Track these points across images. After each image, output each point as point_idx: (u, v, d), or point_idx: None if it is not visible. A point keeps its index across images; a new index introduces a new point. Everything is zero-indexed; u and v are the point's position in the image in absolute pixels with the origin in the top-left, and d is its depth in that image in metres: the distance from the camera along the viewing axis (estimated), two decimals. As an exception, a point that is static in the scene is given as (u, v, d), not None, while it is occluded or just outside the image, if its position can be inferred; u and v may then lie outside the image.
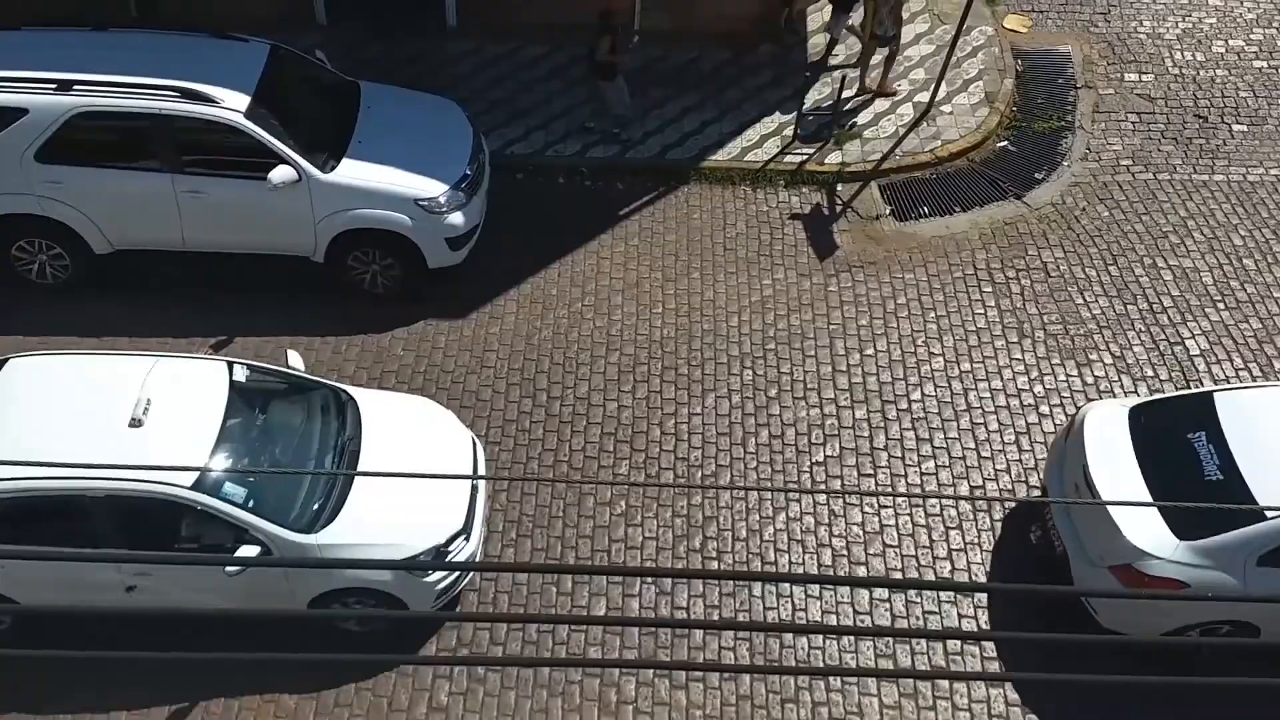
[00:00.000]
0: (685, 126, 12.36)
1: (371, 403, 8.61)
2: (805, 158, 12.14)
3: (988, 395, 10.08)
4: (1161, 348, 10.46)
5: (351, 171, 9.92)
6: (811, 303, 10.82)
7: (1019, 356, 10.39)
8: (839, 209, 11.79)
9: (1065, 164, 12.29)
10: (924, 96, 12.71)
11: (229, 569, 7.41)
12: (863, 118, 12.56)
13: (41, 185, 9.58)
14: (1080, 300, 10.88)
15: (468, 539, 8.15)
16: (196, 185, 9.71)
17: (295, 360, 8.79)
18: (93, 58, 9.60)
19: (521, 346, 10.31)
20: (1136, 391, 10.04)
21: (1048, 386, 10.14)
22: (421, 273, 10.34)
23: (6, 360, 8.22)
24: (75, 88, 9.35)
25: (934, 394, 10.07)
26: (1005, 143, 12.55)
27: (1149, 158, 12.32)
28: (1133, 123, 12.71)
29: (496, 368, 10.13)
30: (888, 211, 11.79)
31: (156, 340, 9.98)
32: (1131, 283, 11.03)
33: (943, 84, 12.58)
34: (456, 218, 10.17)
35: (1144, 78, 13.19)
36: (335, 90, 10.65)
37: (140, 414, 7.63)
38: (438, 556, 7.89)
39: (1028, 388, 10.14)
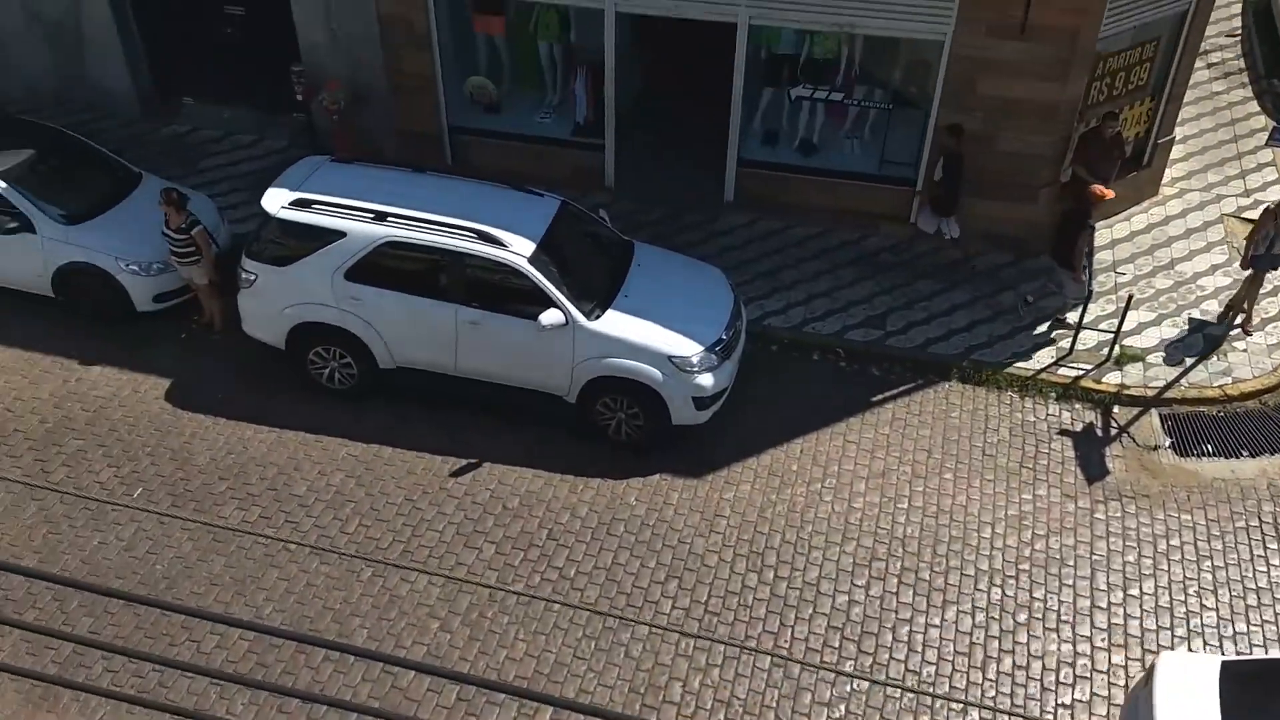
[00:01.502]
0: (953, 323, 12.04)
1: None
2: (1081, 373, 11.49)
3: (1274, 664, 8.81)
4: None
5: (614, 322, 10.24)
6: (1074, 527, 9.99)
7: (1314, 626, 9.10)
8: (1113, 432, 10.98)
9: (1382, 418, 11.00)
10: (1216, 330, 11.88)
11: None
12: (1146, 341, 11.82)
13: (345, 300, 10.43)
14: (1396, 574, 9.48)
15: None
16: (476, 317, 10.28)
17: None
18: (408, 195, 10.51)
19: (754, 518, 10.04)
20: None
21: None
22: (664, 427, 10.40)
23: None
24: (389, 219, 10.24)
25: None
26: (1308, 387, 11.42)
27: None
28: None
29: (725, 535, 9.88)
30: (1167, 444, 10.87)
31: (413, 454, 10.47)
32: None
33: (1238, 317, 11.73)
34: (706, 379, 10.22)
35: None
36: (611, 246, 11.15)
37: None
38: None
39: (1324, 664, 8.79)
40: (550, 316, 10.00)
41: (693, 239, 12.94)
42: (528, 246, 10.15)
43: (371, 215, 10.26)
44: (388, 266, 10.32)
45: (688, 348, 10.19)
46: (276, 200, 10.48)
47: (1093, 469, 10.59)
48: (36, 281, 11.53)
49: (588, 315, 10.18)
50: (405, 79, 13.36)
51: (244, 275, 10.69)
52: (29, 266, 11.39)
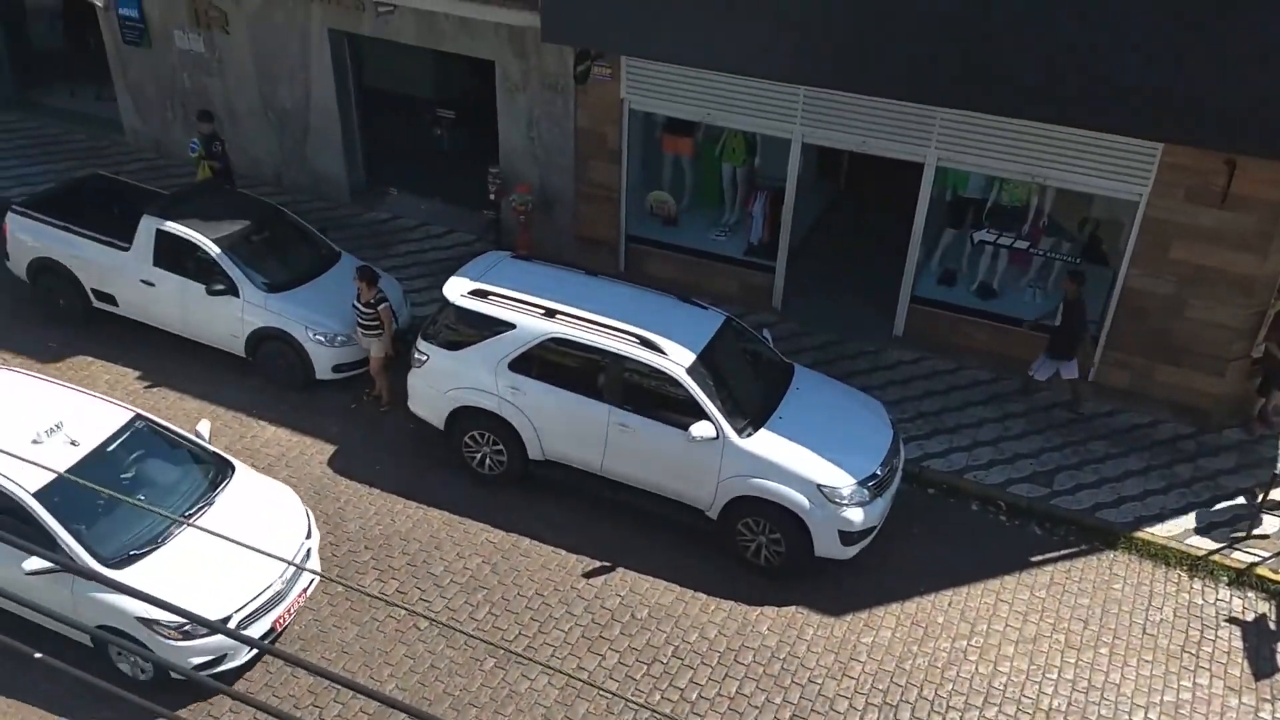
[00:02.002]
0: (1124, 489, 11.35)
1: None
2: (1258, 560, 10.59)
3: None
4: None
5: (765, 443, 10.12)
6: (1241, 725, 9.08)
7: None
8: (1294, 627, 10.02)
9: None
10: None
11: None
12: (1344, 532, 10.83)
13: (505, 389, 10.74)
14: None
15: None
16: (627, 420, 10.38)
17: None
18: (579, 295, 10.84)
19: (891, 667, 9.54)
20: None
21: None
22: (806, 557, 10.10)
23: None
24: (557, 316, 10.56)
25: None
26: None
27: None
28: None
29: (860, 680, 9.41)
30: (1360, 648, 9.81)
31: (549, 548, 10.53)
32: None
33: None
34: (856, 513, 9.92)
35: None
36: (771, 367, 11.11)
37: None
38: None
39: None
40: (701, 428, 9.99)
41: (856, 369, 12.77)
42: (687, 357, 10.24)
43: (542, 311, 10.60)
44: (550, 361, 10.60)
45: (839, 478, 9.95)
46: (456, 289, 10.98)
47: (1262, 663, 9.64)
48: (232, 342, 12.38)
49: (739, 432, 10.11)
50: (591, 188, 13.93)
51: (417, 355, 11.18)
52: (228, 327, 12.26)
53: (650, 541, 10.66)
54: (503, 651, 9.25)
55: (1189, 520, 11.03)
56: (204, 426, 10.35)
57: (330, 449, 11.64)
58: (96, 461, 9.36)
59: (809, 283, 13.90)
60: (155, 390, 12.26)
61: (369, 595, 7.48)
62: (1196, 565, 10.61)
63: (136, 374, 12.48)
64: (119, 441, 9.64)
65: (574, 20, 12.20)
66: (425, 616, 7.04)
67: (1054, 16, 10.25)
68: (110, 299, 12.75)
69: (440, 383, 11.05)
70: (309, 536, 9.74)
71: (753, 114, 12.70)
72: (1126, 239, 11.83)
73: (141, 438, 9.81)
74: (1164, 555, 10.69)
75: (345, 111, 15.06)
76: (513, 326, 10.62)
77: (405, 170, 15.70)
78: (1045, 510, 11.12)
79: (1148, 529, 10.91)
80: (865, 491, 10.00)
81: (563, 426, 10.69)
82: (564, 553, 10.52)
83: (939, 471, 11.52)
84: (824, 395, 10.96)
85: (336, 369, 12.29)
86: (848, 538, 10.01)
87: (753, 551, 10.34)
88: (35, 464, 7.74)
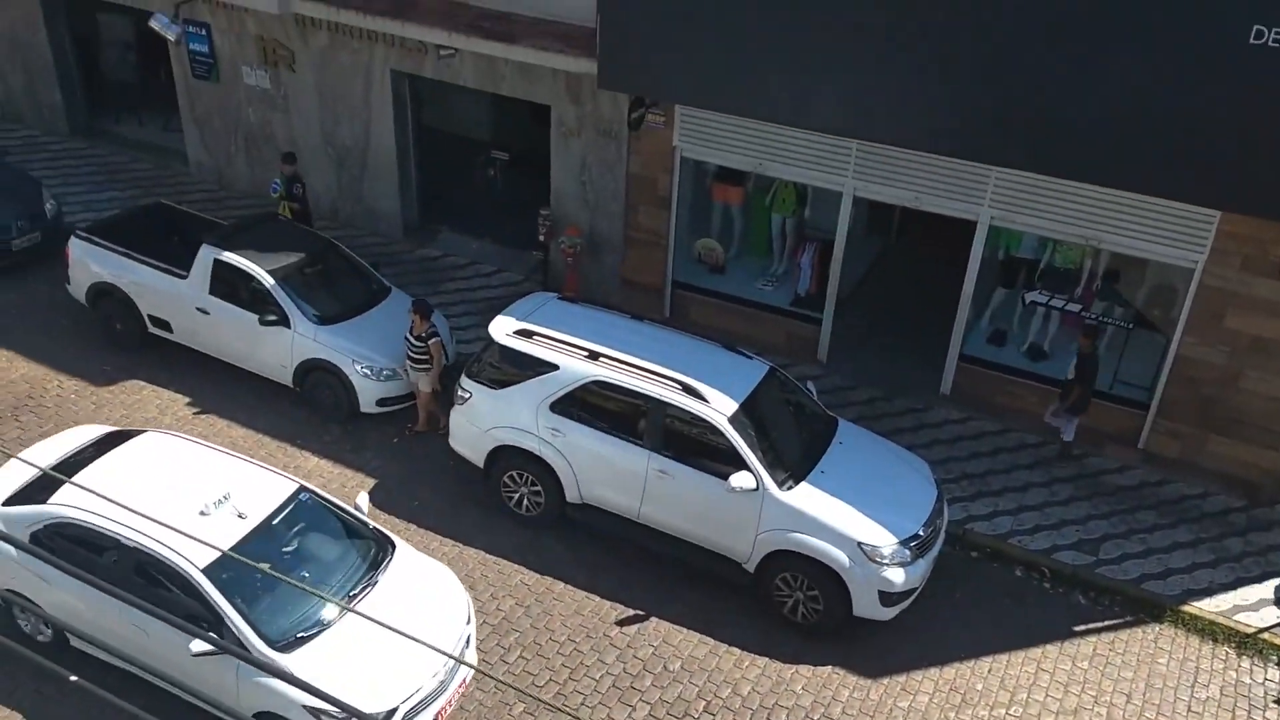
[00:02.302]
0: (1171, 561, 11.07)
1: None
2: (1315, 640, 10.26)
3: None
4: None
5: (806, 496, 10.01)
6: (1295, 816, 8.73)
7: None
8: (1352, 714, 9.66)
9: None
10: None
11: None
12: (1405, 618, 10.45)
13: (546, 430, 10.76)
14: None
15: None
16: (666, 467, 10.33)
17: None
18: (623, 339, 10.86)
19: (925, 733, 9.34)
20: None
21: None
22: (844, 616, 9.93)
23: None
24: (600, 359, 10.58)
25: None
26: None
27: None
28: None
29: (892, 746, 9.22)
30: None
31: (584, 593, 10.47)
32: None
33: None
34: (896, 574, 9.76)
35: None
36: (815, 420, 11.02)
37: None
38: None
39: None
40: (741, 479, 9.91)
41: (900, 426, 12.63)
42: (729, 405, 10.19)
43: (585, 353, 10.63)
44: (592, 404, 10.60)
45: (881, 537, 9.81)
46: (502, 328, 11.06)
47: (1324, 754, 9.30)
48: (281, 372, 12.55)
49: (780, 484, 10.02)
50: (640, 233, 14.02)
51: (460, 393, 11.25)
52: (278, 357, 12.44)
53: (686, 592, 10.56)
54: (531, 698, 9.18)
55: (1238, 596, 10.72)
56: (363, 500, 9.81)
57: (371, 482, 11.70)
58: (263, 536, 8.93)
59: (856, 336, 13.82)
60: (204, 417, 12.44)
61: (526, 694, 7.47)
62: (1245, 642, 10.29)
63: (187, 400, 12.68)
64: (283, 514, 9.19)
65: (630, 69, 12.36)
66: (457, 659, 7.00)
67: (1113, 79, 10.20)
68: (165, 325, 13.00)
69: (482, 421, 11.10)
70: (468, 623, 9.24)
71: (804, 166, 12.74)
72: (1181, 306, 11.65)
73: (305, 511, 9.37)
74: (1211, 631, 10.39)
75: (403, 150, 15.33)
76: (556, 367, 10.66)
77: (458, 209, 15.93)
78: (1090, 579, 10.87)
79: (1195, 603, 10.61)
80: (907, 552, 9.85)
81: (602, 470, 10.67)
82: (598, 599, 10.45)
83: (983, 534, 11.32)
84: (868, 451, 10.84)
85: (381, 403, 12.40)
86: (888, 598, 9.84)
87: (790, 608, 10.20)
88: (204, 542, 6.99)
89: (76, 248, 13.23)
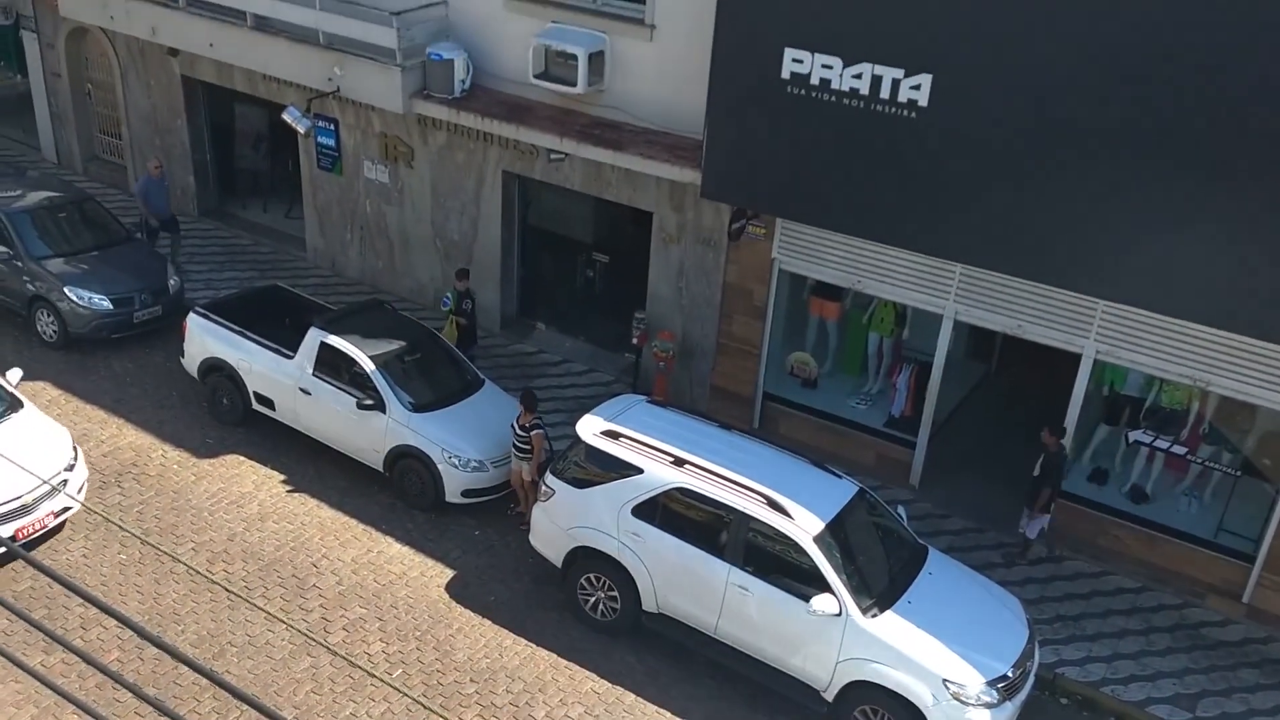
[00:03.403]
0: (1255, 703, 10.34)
1: None
2: None
3: None
4: None
5: (891, 627, 9.68)
6: None
7: None
8: None
9: None
10: None
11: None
12: None
13: (626, 534, 10.68)
14: None
15: None
16: (746, 582, 10.12)
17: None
18: (709, 448, 10.79)
19: None
20: None
21: None
22: (926, 757, 9.48)
23: None
24: (686, 466, 10.51)
25: None
26: None
27: None
28: None
29: None
30: None
31: (654, 707, 10.21)
32: None
33: None
34: (982, 715, 9.30)
35: None
36: (904, 546, 10.71)
37: None
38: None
39: None
40: (823, 602, 9.64)
41: (992, 560, 12.18)
42: (815, 524, 9.98)
43: (670, 459, 10.58)
44: (674, 511, 10.50)
45: (967, 676, 9.39)
46: (589, 427, 11.10)
47: None
48: (373, 456, 12.78)
49: (864, 611, 9.71)
50: (733, 342, 14.04)
51: (544, 489, 11.27)
52: (372, 441, 12.69)
53: (758, 715, 10.21)
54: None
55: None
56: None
57: (449, 573, 11.72)
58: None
59: (950, 463, 13.47)
60: (296, 495, 12.69)
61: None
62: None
63: (282, 477, 12.97)
64: None
65: (733, 180, 12.56)
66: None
67: (1225, 223, 9.96)
68: (269, 403, 13.41)
69: (563, 519, 11.08)
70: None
71: (905, 286, 12.66)
72: (1296, 455, 11.12)
73: None
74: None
75: (507, 247, 15.75)
76: (640, 471, 10.62)
77: (555, 307, 16.23)
78: (1190, 740, 10.22)
79: (1308, 776, 9.86)
80: (994, 693, 9.40)
81: (680, 580, 10.50)
82: (669, 715, 10.17)
83: (1074, 681, 10.74)
84: (958, 584, 10.47)
85: (466, 494, 12.49)
86: (970, 741, 9.38)
87: (866, 741, 9.80)
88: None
89: (194, 324, 13.82)
